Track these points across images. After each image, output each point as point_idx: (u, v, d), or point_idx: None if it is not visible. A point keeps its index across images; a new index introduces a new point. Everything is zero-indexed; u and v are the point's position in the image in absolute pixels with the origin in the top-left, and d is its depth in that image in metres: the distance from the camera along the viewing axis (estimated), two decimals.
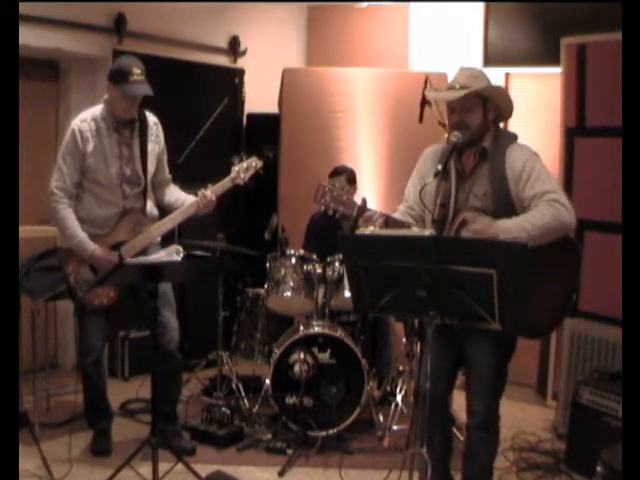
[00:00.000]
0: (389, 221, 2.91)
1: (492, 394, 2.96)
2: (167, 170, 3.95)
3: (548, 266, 2.78)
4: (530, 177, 2.82)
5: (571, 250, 2.92)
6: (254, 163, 3.82)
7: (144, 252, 3.69)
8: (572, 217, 2.80)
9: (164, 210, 3.94)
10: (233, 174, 3.77)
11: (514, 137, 2.99)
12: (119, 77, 3.56)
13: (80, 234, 3.62)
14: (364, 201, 2.97)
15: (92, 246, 3.61)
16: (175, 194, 3.91)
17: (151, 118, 3.80)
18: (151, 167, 3.78)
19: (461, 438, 3.55)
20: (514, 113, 3.03)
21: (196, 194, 3.76)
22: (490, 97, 2.91)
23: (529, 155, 2.87)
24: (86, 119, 3.66)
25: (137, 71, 3.56)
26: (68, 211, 3.64)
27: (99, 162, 3.65)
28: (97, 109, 3.70)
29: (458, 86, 2.86)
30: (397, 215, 3.04)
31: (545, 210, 2.76)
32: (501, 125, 3.11)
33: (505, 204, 2.86)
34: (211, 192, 3.72)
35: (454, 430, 3.80)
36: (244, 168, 3.79)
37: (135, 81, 3.55)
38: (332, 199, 2.93)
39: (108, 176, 3.67)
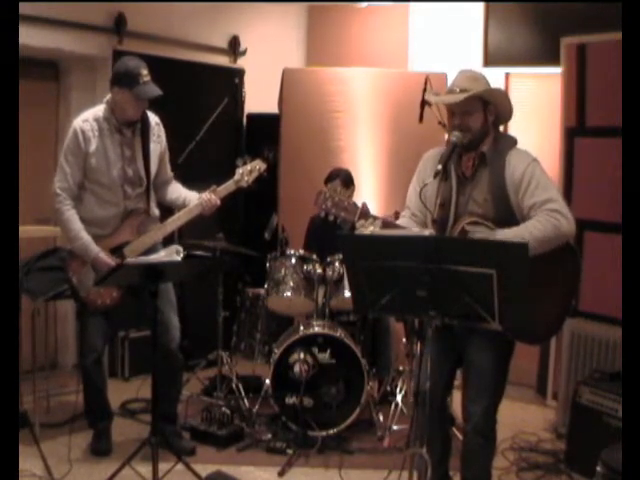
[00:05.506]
0: (387, 225, 2.90)
1: (491, 398, 2.92)
2: (169, 168, 3.95)
3: (548, 271, 2.77)
4: (530, 185, 2.80)
5: (571, 257, 2.91)
6: (258, 166, 3.80)
7: (146, 252, 3.68)
8: (571, 226, 2.79)
9: (166, 208, 3.94)
10: (237, 177, 3.76)
11: (514, 142, 2.96)
12: (129, 80, 3.53)
13: (84, 236, 3.60)
14: (365, 206, 2.91)
15: (95, 249, 3.60)
16: (177, 191, 3.90)
17: (153, 118, 3.79)
18: (154, 167, 3.77)
19: (461, 438, 3.54)
20: (514, 113, 3.02)
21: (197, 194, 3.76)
22: (490, 100, 2.90)
23: (529, 162, 2.85)
24: (88, 119, 3.64)
25: (145, 72, 3.56)
26: (72, 212, 3.62)
27: (101, 163, 3.64)
28: (99, 109, 3.68)
29: (458, 89, 2.85)
30: (401, 222, 3.02)
31: (545, 221, 2.75)
32: (501, 128, 3.09)
33: (506, 211, 2.85)
34: (215, 195, 3.72)
35: (454, 430, 3.81)
36: (248, 171, 3.77)
37: (145, 82, 3.55)
38: (333, 205, 2.88)
39: (110, 177, 3.65)
